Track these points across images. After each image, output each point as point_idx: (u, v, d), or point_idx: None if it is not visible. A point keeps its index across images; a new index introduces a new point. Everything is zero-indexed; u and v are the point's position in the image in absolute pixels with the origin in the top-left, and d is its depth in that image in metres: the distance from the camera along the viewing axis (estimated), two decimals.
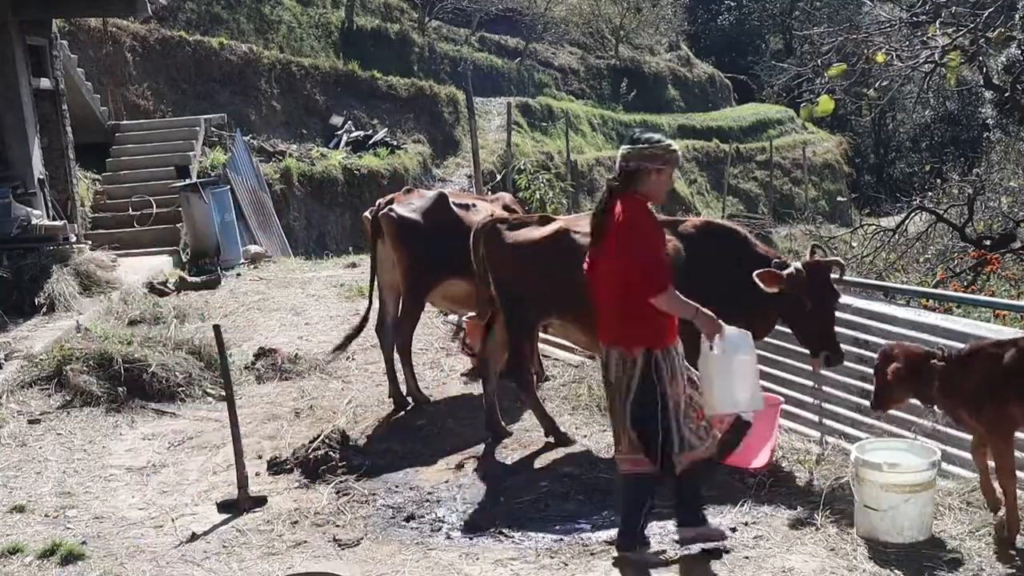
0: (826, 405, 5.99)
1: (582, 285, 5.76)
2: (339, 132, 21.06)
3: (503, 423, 6.36)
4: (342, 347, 7.66)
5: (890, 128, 41.99)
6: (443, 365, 8.05)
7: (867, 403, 5.64)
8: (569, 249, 5.87)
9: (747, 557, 4.54)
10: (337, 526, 5.13)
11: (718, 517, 4.96)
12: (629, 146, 4.47)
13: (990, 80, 12.80)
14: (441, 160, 22.87)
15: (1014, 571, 4.31)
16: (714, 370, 4.53)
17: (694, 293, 4.60)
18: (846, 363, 5.48)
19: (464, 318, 8.49)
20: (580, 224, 6.09)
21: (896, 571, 4.33)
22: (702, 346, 4.55)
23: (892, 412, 5.45)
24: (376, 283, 7.22)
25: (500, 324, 6.19)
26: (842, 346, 5.46)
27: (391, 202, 7.03)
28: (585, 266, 4.71)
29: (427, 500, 5.43)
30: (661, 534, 4.83)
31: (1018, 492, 4.55)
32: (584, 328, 6.10)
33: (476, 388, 7.04)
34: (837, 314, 6.03)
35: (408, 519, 5.19)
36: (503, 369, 6.35)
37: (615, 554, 4.60)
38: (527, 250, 5.98)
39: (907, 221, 13.36)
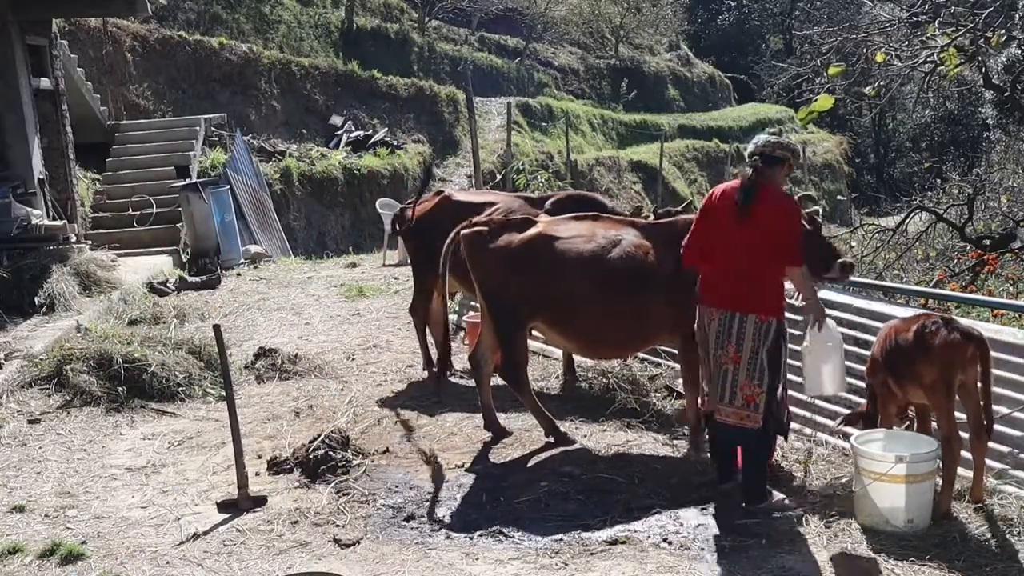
0: (825, 404, 5.99)
1: (561, 289, 5.77)
2: (339, 132, 21.05)
3: (501, 423, 6.36)
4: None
5: (890, 128, 42.00)
6: None
7: (865, 401, 5.65)
8: (548, 253, 5.84)
9: (747, 557, 4.54)
10: (337, 526, 5.12)
11: (718, 517, 4.97)
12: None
13: (990, 80, 12.79)
14: (441, 160, 22.86)
15: (1006, 559, 4.33)
16: (816, 354, 5.18)
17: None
18: (846, 362, 5.46)
19: (464, 318, 8.51)
20: (560, 228, 6.04)
21: (895, 571, 4.34)
22: (808, 330, 5.21)
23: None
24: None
25: (488, 327, 6.18)
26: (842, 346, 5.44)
27: (415, 203, 7.46)
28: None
29: (427, 500, 5.43)
30: (662, 533, 4.84)
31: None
32: (565, 332, 6.06)
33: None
34: (837, 314, 6.05)
35: (408, 519, 5.18)
36: (499, 371, 6.35)
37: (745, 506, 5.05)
38: (507, 255, 5.91)
39: (907, 221, 13.35)
